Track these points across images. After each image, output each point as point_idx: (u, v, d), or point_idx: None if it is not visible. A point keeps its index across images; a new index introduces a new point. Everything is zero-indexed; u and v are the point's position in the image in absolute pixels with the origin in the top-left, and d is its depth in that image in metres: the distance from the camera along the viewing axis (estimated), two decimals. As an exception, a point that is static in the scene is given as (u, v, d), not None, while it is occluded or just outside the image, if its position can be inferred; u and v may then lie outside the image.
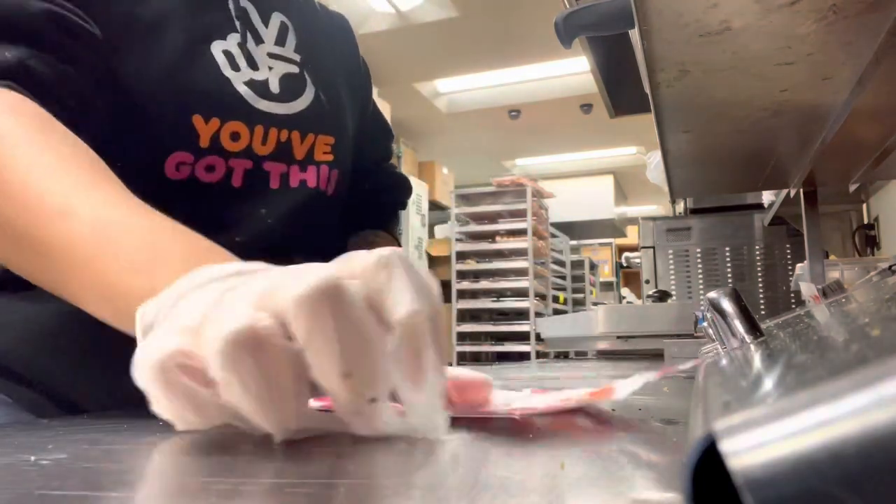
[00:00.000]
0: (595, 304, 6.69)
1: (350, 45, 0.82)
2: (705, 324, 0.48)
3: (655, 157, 2.11)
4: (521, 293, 5.02)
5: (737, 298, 0.42)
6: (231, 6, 0.64)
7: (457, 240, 5.17)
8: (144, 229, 0.40)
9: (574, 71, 4.70)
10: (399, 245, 0.84)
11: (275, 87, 0.65)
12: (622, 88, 1.51)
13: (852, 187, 1.38)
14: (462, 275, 5.15)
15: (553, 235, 5.84)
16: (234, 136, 0.61)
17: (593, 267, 7.22)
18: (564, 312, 5.59)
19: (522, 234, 5.02)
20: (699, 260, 2.33)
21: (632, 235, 7.57)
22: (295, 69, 0.68)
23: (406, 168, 4.97)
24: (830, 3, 0.54)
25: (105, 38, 0.55)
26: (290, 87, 0.66)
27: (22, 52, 0.49)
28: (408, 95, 5.03)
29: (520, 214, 5.04)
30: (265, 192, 0.63)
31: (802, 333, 0.40)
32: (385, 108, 4.53)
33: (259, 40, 0.65)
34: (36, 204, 0.41)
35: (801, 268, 1.43)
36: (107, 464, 0.28)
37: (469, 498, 0.20)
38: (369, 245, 0.77)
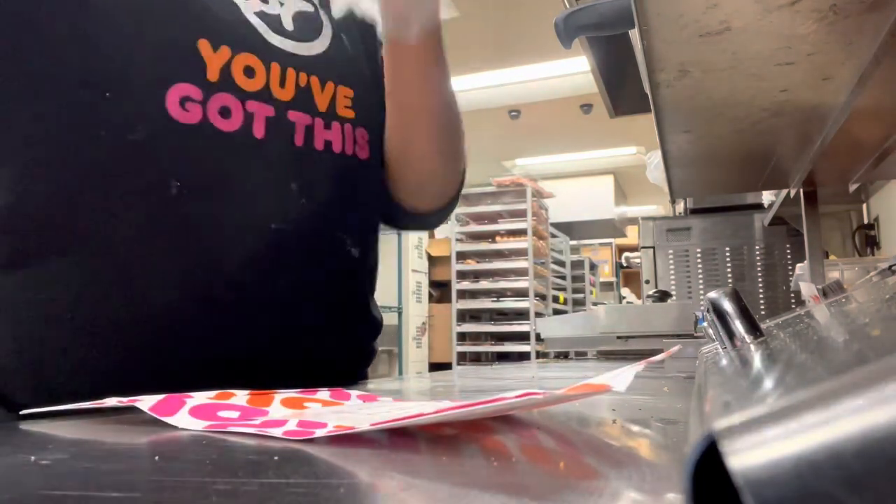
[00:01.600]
0: (595, 304, 6.69)
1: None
2: (705, 324, 0.48)
3: (655, 157, 2.11)
4: (521, 293, 5.02)
5: (737, 298, 0.42)
6: None
7: (457, 240, 5.17)
8: None
9: (574, 71, 4.70)
10: None
11: (288, 23, 0.56)
12: (622, 88, 1.51)
13: (852, 187, 1.38)
14: (462, 275, 5.15)
15: (553, 235, 5.84)
16: (249, 72, 0.51)
17: (593, 267, 7.22)
18: (564, 312, 5.59)
19: (522, 234, 5.02)
20: (699, 260, 2.33)
21: (632, 235, 7.58)
22: (309, 7, 0.60)
23: (406, 168, 4.97)
24: (830, 3, 0.54)
25: None
26: (306, 27, 0.58)
27: None
28: (408, 95, 5.02)
29: (520, 214, 5.04)
30: (289, 150, 0.54)
31: (802, 333, 0.40)
32: (385, 108, 4.52)
33: None
34: None
35: (801, 268, 1.43)
36: (107, 464, 0.28)
37: (468, 499, 0.20)
38: None
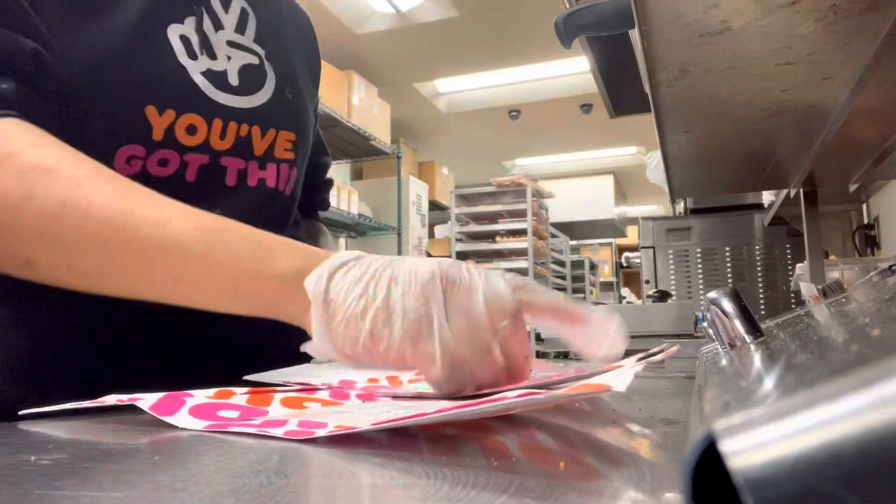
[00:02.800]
0: (595, 304, 6.67)
1: (312, 44, 0.79)
2: (705, 324, 0.48)
3: (655, 157, 2.11)
4: (521, 293, 5.02)
5: (737, 298, 0.42)
6: None
7: (457, 240, 5.17)
8: (232, 225, 0.45)
9: (574, 71, 4.70)
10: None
11: (234, 79, 0.61)
12: (622, 88, 1.51)
13: (852, 187, 1.38)
14: (462, 275, 5.15)
15: (553, 235, 5.84)
16: (191, 130, 0.57)
17: (593, 267, 7.21)
18: (564, 312, 5.57)
19: (522, 234, 5.01)
20: (699, 260, 2.33)
21: (632, 235, 7.57)
22: (255, 60, 0.65)
23: (406, 168, 4.97)
24: (830, 3, 0.54)
25: (56, 24, 0.53)
26: (250, 80, 0.63)
27: (13, 85, 0.50)
28: (408, 95, 5.03)
29: (520, 214, 5.04)
30: (221, 189, 0.60)
31: (802, 333, 0.40)
32: (385, 108, 4.52)
33: (219, 26, 0.62)
34: (129, 221, 0.44)
35: (801, 268, 1.43)
36: (107, 464, 0.28)
37: (468, 499, 0.20)
38: (312, 239, 0.78)
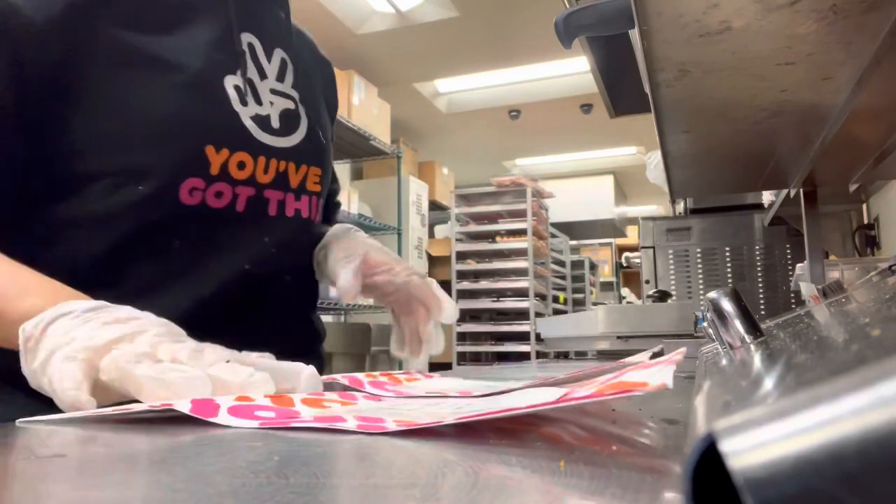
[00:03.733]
0: (595, 304, 6.69)
1: (332, 86, 0.93)
2: (705, 324, 0.48)
3: (655, 157, 2.11)
4: (521, 293, 5.02)
5: (737, 298, 0.42)
6: (241, 41, 0.71)
7: (457, 240, 5.17)
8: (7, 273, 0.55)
9: (574, 71, 4.70)
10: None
11: (275, 122, 0.72)
12: (622, 88, 1.51)
13: (852, 187, 1.38)
14: (462, 275, 5.15)
15: (553, 235, 5.84)
16: (241, 165, 0.68)
17: (593, 267, 7.22)
18: (564, 312, 5.59)
19: (522, 234, 5.01)
20: (699, 260, 2.33)
21: (632, 235, 7.57)
22: (292, 105, 0.76)
23: (406, 168, 4.97)
24: (830, 3, 0.54)
25: (106, 72, 0.62)
26: (288, 123, 0.74)
27: None
28: (408, 95, 5.02)
29: (520, 214, 5.04)
30: (265, 219, 0.71)
31: (802, 333, 0.40)
32: (385, 108, 4.52)
33: (263, 75, 0.73)
34: None
35: (801, 268, 1.43)
36: (107, 464, 0.28)
37: (469, 498, 0.20)
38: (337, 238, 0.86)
